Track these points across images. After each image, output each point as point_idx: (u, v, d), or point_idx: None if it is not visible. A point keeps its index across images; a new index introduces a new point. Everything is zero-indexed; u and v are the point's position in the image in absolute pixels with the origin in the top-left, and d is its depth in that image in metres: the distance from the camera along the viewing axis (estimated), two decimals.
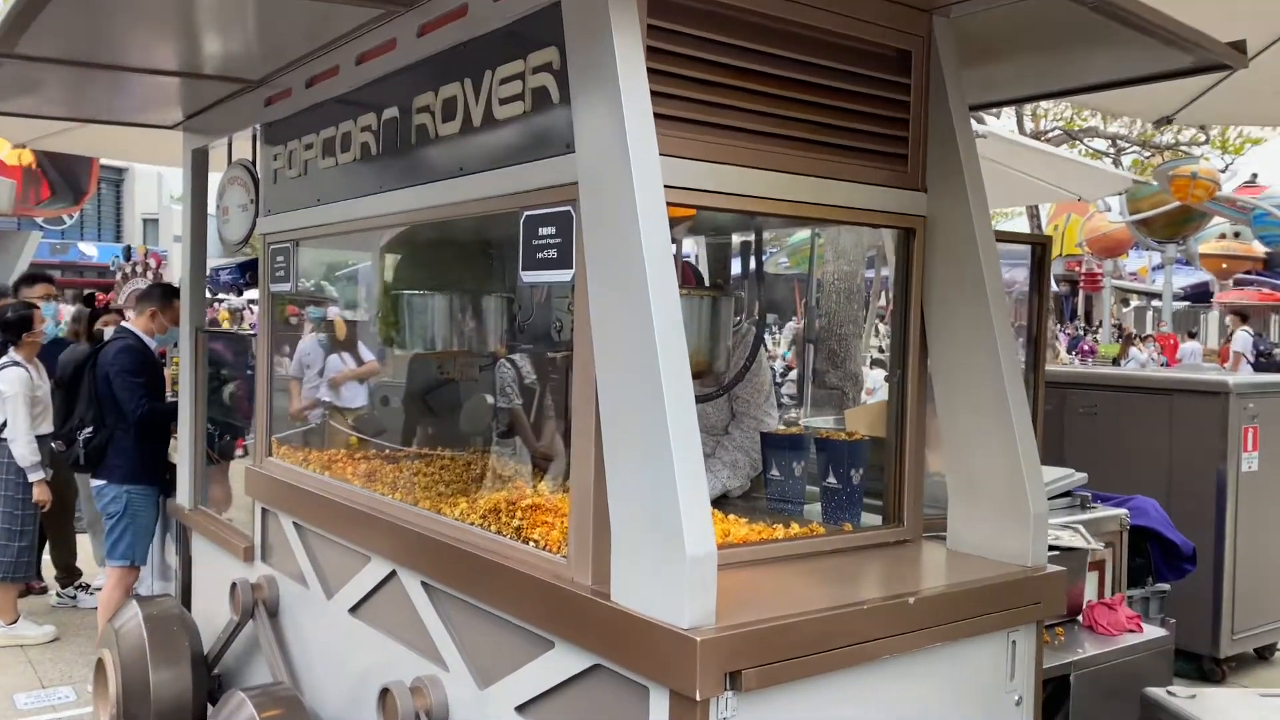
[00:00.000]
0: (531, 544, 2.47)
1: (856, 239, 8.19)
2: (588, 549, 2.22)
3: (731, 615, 1.99)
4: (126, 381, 5.03)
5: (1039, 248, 3.16)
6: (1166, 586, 5.02)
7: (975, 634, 2.37)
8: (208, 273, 4.66)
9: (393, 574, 2.98)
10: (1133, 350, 19.29)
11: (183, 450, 4.75)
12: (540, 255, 2.37)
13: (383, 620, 3.07)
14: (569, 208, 2.28)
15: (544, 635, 2.32)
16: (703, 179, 2.32)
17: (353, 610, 3.21)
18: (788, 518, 3.00)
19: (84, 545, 6.83)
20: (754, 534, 2.61)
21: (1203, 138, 20.01)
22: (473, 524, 2.70)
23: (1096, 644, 3.17)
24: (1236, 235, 19.17)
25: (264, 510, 3.87)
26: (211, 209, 4.59)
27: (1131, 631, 3.29)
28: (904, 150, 2.72)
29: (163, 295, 5.30)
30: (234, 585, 3.77)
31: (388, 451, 4.12)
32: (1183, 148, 19.43)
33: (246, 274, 4.33)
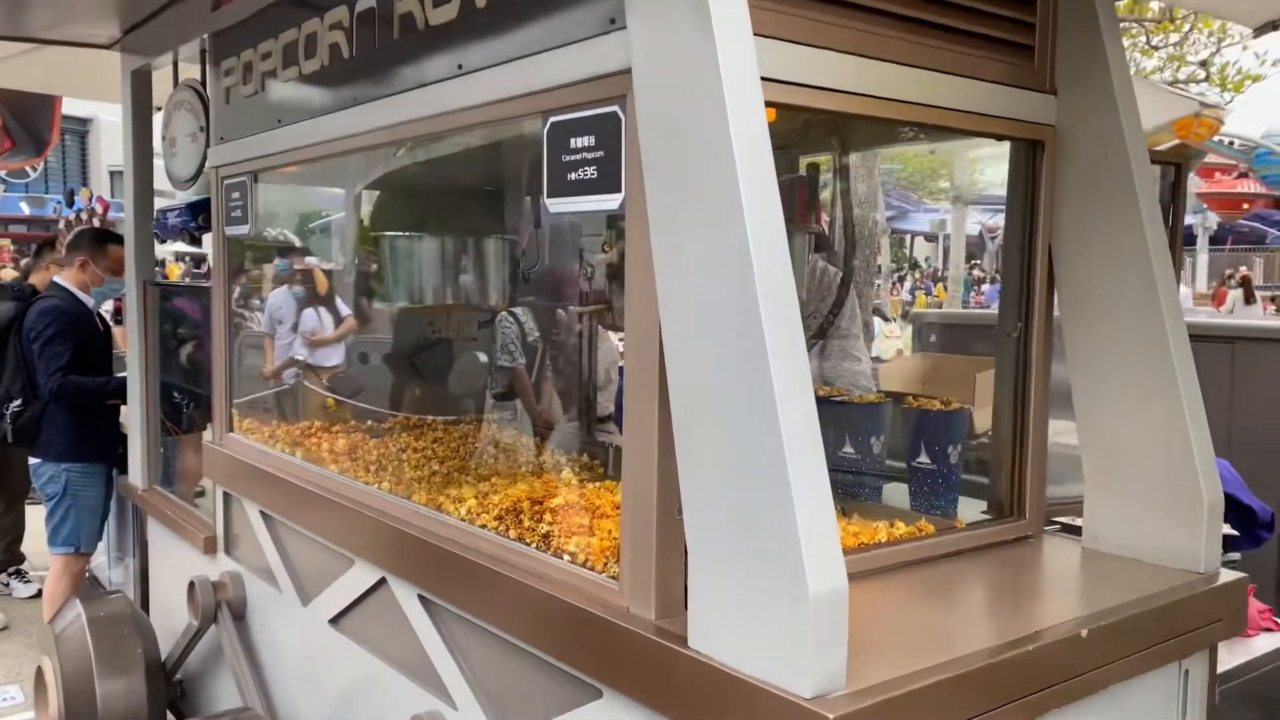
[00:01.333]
0: (566, 558, 1.89)
1: (869, 176, 7.60)
2: (649, 570, 1.65)
3: (861, 669, 1.42)
4: (44, 349, 4.25)
5: (1173, 168, 2.60)
6: (1237, 556, 4.53)
7: (1147, 669, 1.82)
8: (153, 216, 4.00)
9: (382, 582, 2.40)
10: None
11: (133, 421, 4.13)
12: (574, 176, 1.77)
13: (372, 638, 2.50)
14: (616, 107, 1.67)
15: (587, 681, 1.75)
16: (793, 68, 1.71)
17: (334, 622, 2.64)
18: (866, 505, 2.44)
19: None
20: (849, 537, 2.03)
21: (1201, 74, 19.42)
22: (485, 527, 2.12)
23: (1232, 649, 2.63)
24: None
25: (226, 495, 3.28)
26: (157, 143, 3.94)
27: (1269, 630, 2.76)
28: (1029, 39, 2.12)
29: (93, 240, 4.52)
30: (192, 585, 3.19)
31: (370, 423, 3.53)
32: (1181, 84, 18.85)
33: (199, 216, 3.69)
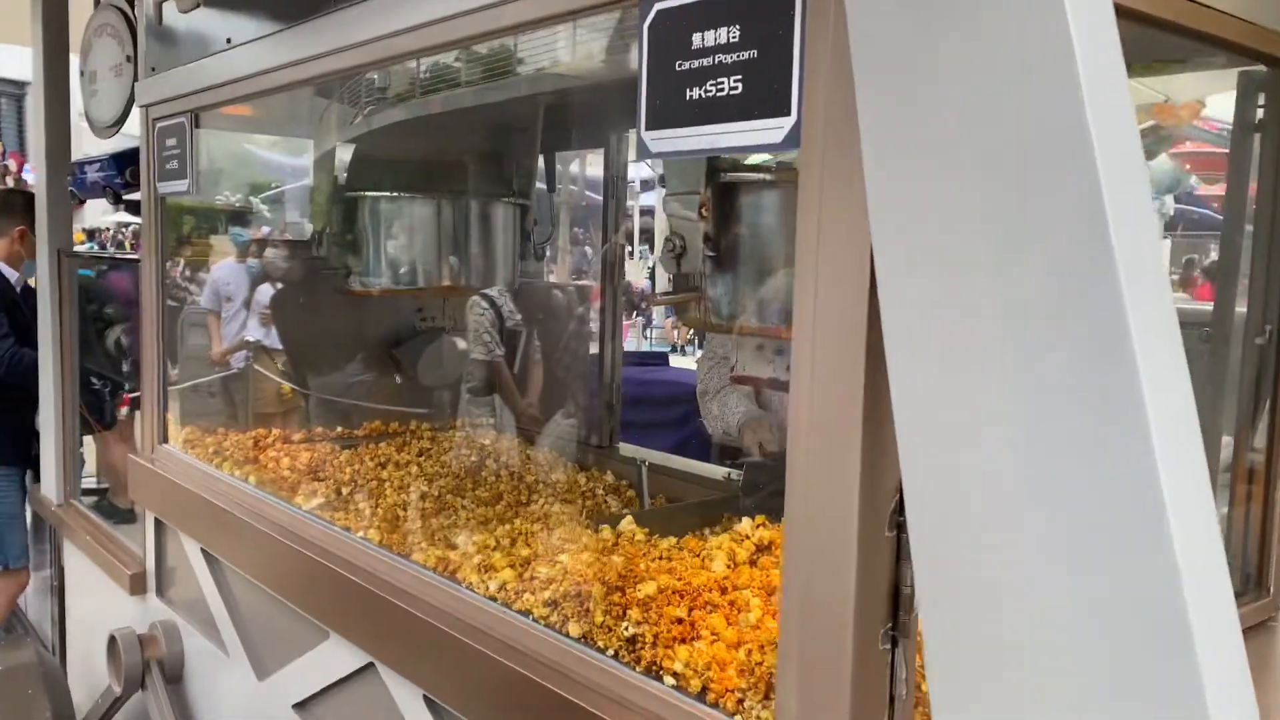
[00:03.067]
0: (670, 681, 1.25)
1: None
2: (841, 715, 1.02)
3: None
4: None
5: None
6: None
7: None
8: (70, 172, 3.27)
9: (369, 668, 1.76)
10: None
11: (46, 420, 3.42)
12: (697, 93, 1.12)
13: None
14: None
15: None
16: None
17: (300, 707, 1.98)
18: None
19: None
20: None
21: None
22: (528, 614, 1.47)
23: None
24: None
25: (158, 522, 2.60)
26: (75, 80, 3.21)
27: None
28: None
29: (27, 205, 3.76)
30: (112, 640, 2.50)
31: (339, 429, 2.87)
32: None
33: (126, 170, 2.99)
